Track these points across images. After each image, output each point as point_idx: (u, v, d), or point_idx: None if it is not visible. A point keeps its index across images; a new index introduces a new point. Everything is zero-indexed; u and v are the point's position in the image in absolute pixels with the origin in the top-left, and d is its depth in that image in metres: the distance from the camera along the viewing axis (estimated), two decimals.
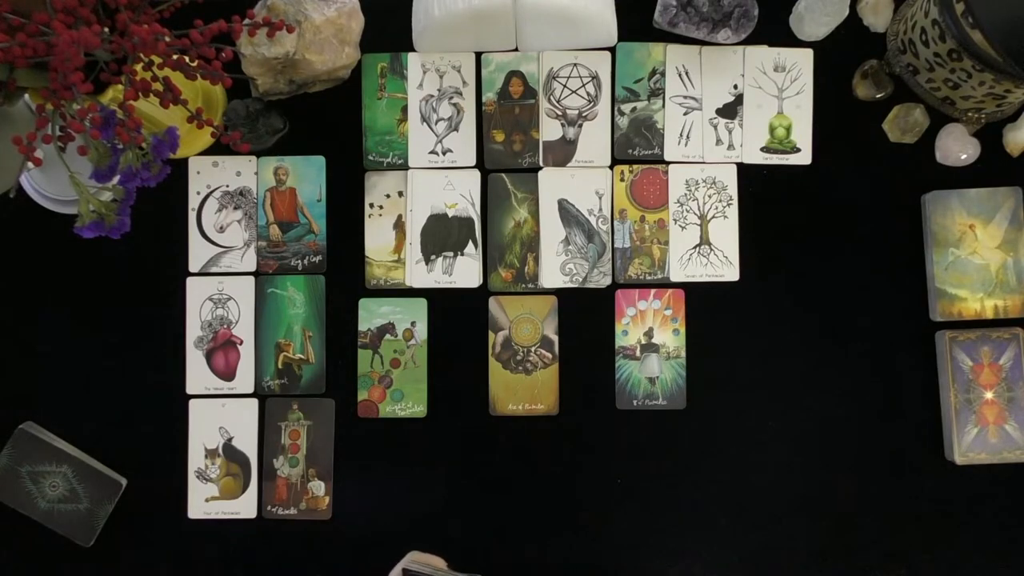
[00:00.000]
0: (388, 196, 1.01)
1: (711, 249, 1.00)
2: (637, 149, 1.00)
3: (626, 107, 1.01)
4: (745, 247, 1.00)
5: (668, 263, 1.00)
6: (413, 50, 1.01)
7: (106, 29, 0.78)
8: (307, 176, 1.01)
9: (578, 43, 1.00)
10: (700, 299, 1.00)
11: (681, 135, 1.01)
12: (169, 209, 1.00)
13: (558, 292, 1.00)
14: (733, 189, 1.00)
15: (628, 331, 1.00)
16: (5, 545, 0.99)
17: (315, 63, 0.92)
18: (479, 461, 1.00)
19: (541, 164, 1.01)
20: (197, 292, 1.00)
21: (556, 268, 1.00)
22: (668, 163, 1.00)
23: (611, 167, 1.01)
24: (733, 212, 1.00)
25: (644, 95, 1.01)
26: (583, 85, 1.01)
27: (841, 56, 1.00)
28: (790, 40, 1.01)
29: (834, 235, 1.00)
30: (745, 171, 1.00)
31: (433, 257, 1.00)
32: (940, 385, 0.98)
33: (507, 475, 0.99)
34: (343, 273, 1.00)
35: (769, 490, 0.99)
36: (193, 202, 1.01)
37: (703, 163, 1.00)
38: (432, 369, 1.00)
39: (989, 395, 0.97)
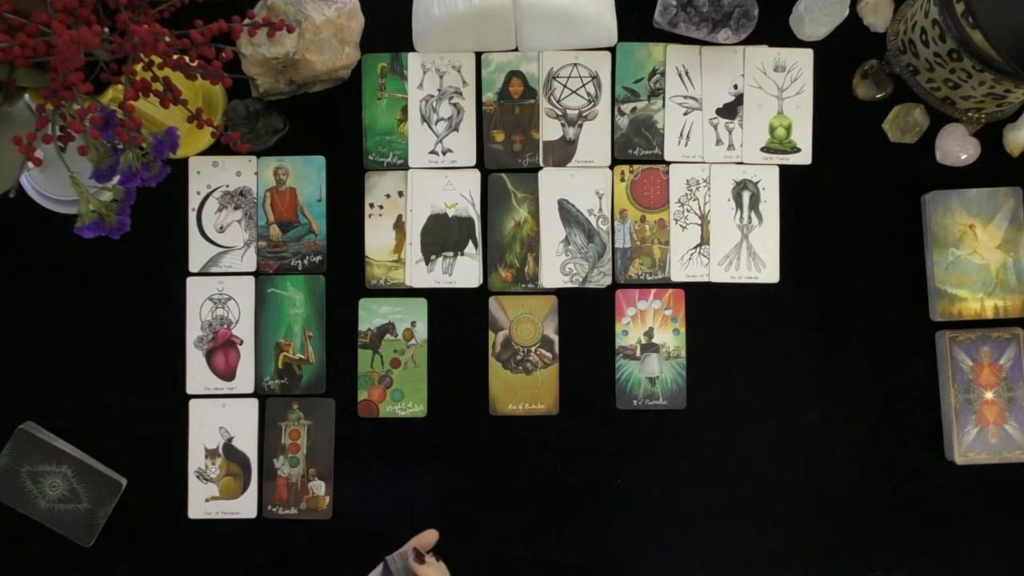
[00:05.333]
0: (388, 196, 1.01)
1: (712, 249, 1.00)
2: (637, 149, 1.01)
3: (626, 107, 1.01)
4: None
5: (669, 263, 1.00)
6: (413, 50, 1.01)
7: (106, 29, 0.78)
8: (307, 176, 1.01)
9: (578, 43, 1.00)
10: (700, 299, 1.00)
11: (681, 135, 1.01)
12: (169, 209, 1.00)
13: (558, 292, 1.00)
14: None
15: (628, 331, 1.00)
16: (5, 545, 0.99)
17: (315, 63, 0.92)
18: (479, 461, 1.00)
19: (541, 164, 1.01)
20: (197, 292, 1.00)
21: (556, 268, 1.00)
22: (668, 163, 1.00)
23: (611, 167, 1.01)
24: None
25: (644, 95, 1.01)
26: (583, 85, 1.01)
27: (841, 56, 1.00)
28: (790, 40, 1.01)
29: (834, 235, 1.00)
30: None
31: (433, 257, 1.00)
32: (940, 385, 0.98)
33: (507, 475, 0.99)
34: (343, 273, 1.00)
35: (769, 490, 0.99)
36: (193, 202, 1.01)
37: (703, 163, 1.00)
38: (432, 369, 1.00)
39: (989, 395, 0.97)
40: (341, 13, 0.93)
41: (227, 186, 1.01)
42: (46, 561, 0.99)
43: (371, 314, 1.00)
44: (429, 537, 0.84)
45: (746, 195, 1.00)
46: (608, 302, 1.00)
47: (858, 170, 1.00)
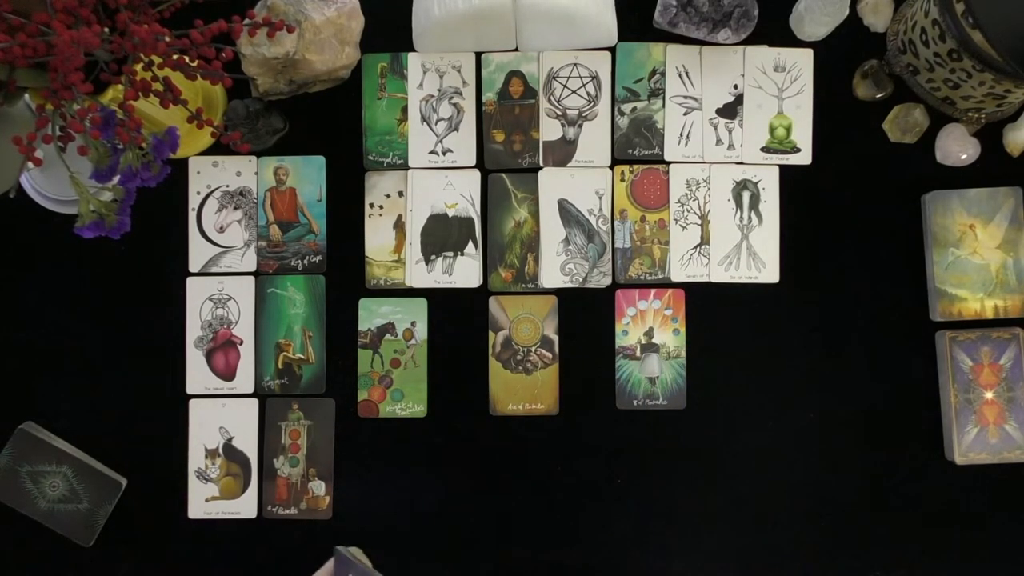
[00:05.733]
0: (388, 196, 1.01)
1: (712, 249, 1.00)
2: (637, 149, 1.00)
3: (626, 107, 1.01)
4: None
5: (669, 263, 1.00)
6: (413, 50, 1.01)
7: (106, 29, 0.78)
8: (307, 176, 1.01)
9: (578, 43, 1.00)
10: (700, 299, 1.00)
11: (681, 135, 1.01)
12: (169, 209, 1.00)
13: (558, 292, 1.00)
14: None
15: (628, 331, 1.00)
16: (5, 545, 0.99)
17: (315, 63, 0.92)
18: (479, 461, 1.00)
19: (541, 164, 1.01)
20: (197, 292, 1.00)
21: (556, 268, 1.00)
22: (668, 163, 1.00)
23: (611, 167, 1.01)
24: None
25: (644, 95, 1.01)
26: (583, 85, 1.01)
27: (841, 56, 1.00)
28: (790, 40, 1.01)
29: (834, 235, 1.00)
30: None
31: (433, 257, 1.00)
32: (940, 385, 0.98)
33: (507, 475, 0.99)
34: (343, 273, 1.00)
35: (769, 490, 0.99)
36: (193, 202, 1.01)
37: (703, 163, 1.00)
38: (432, 369, 1.00)
39: (989, 395, 0.97)
40: (341, 13, 0.93)
41: (227, 186, 1.01)
42: (46, 561, 0.99)
43: (371, 314, 1.00)
44: None
45: (746, 195, 1.00)
46: (608, 302, 1.00)
47: (858, 170, 1.00)
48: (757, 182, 1.00)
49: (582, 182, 1.00)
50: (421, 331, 1.00)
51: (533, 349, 1.00)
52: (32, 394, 1.00)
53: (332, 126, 1.01)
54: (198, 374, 1.00)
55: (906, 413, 0.99)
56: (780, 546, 0.99)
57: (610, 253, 1.00)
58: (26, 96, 0.89)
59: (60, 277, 1.00)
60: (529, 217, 1.01)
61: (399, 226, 1.01)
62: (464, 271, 1.00)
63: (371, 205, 1.01)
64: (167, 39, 0.76)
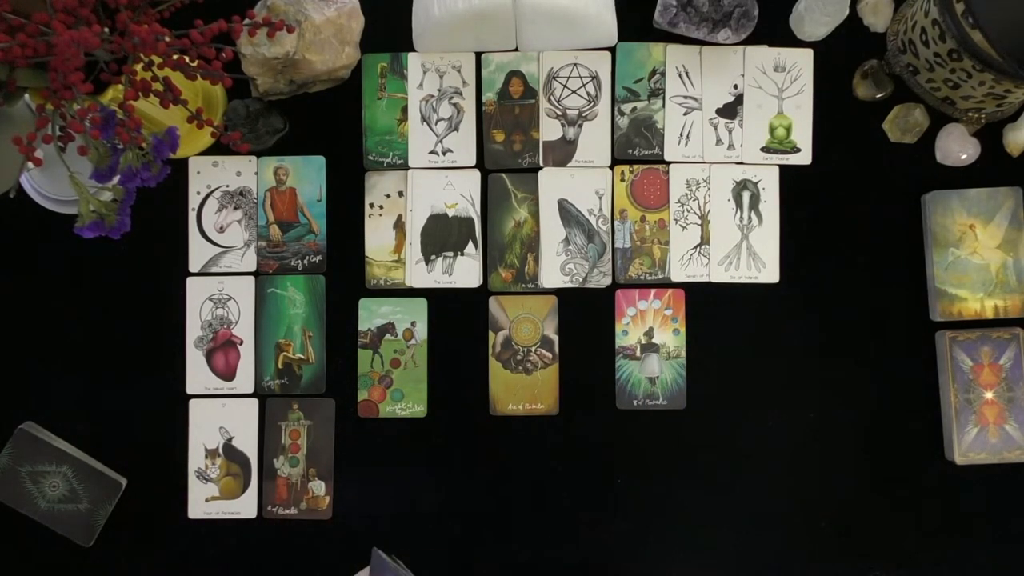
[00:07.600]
0: (388, 196, 1.01)
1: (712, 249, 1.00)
2: (637, 149, 1.00)
3: (626, 107, 1.01)
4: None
5: (669, 263, 1.00)
6: (413, 50, 1.01)
7: (106, 29, 0.78)
8: (307, 176, 1.01)
9: (578, 43, 1.00)
10: (700, 299, 1.00)
11: (681, 135, 1.01)
12: (169, 209, 1.00)
13: (558, 292, 1.00)
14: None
15: (628, 331, 1.00)
16: (5, 545, 0.99)
17: (315, 63, 0.92)
18: (479, 461, 1.00)
19: (541, 164, 1.01)
20: (197, 292, 1.00)
21: (556, 268, 1.00)
22: (668, 163, 1.00)
23: (611, 167, 1.01)
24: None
25: (644, 95, 1.01)
26: (583, 85, 1.01)
27: (841, 56, 1.00)
28: (790, 40, 1.01)
29: (834, 235, 1.00)
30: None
31: (433, 257, 1.00)
32: (940, 385, 0.98)
33: (507, 475, 0.99)
34: (343, 273, 1.00)
35: (769, 490, 0.99)
36: (193, 202, 1.01)
37: (703, 163, 1.00)
38: (432, 369, 1.00)
39: (989, 395, 0.97)
40: (341, 13, 0.93)
41: (227, 186, 1.01)
42: (46, 561, 0.99)
43: (371, 314, 1.00)
44: None
45: (746, 195, 1.00)
46: (608, 302, 1.00)
47: (858, 170, 1.00)
48: (757, 182, 1.00)
49: (582, 182, 1.00)
50: (421, 331, 1.00)
51: (533, 349, 1.00)
52: (32, 394, 1.00)
53: (332, 126, 1.01)
54: (198, 374, 1.00)
55: (906, 413, 0.99)
56: (780, 546, 0.99)
57: (610, 253, 1.00)
58: (26, 96, 0.89)
59: (60, 277, 1.00)
60: (529, 217, 1.01)
61: (399, 226, 1.01)
62: (464, 271, 1.00)
63: (371, 205, 1.01)
64: (167, 39, 0.76)
